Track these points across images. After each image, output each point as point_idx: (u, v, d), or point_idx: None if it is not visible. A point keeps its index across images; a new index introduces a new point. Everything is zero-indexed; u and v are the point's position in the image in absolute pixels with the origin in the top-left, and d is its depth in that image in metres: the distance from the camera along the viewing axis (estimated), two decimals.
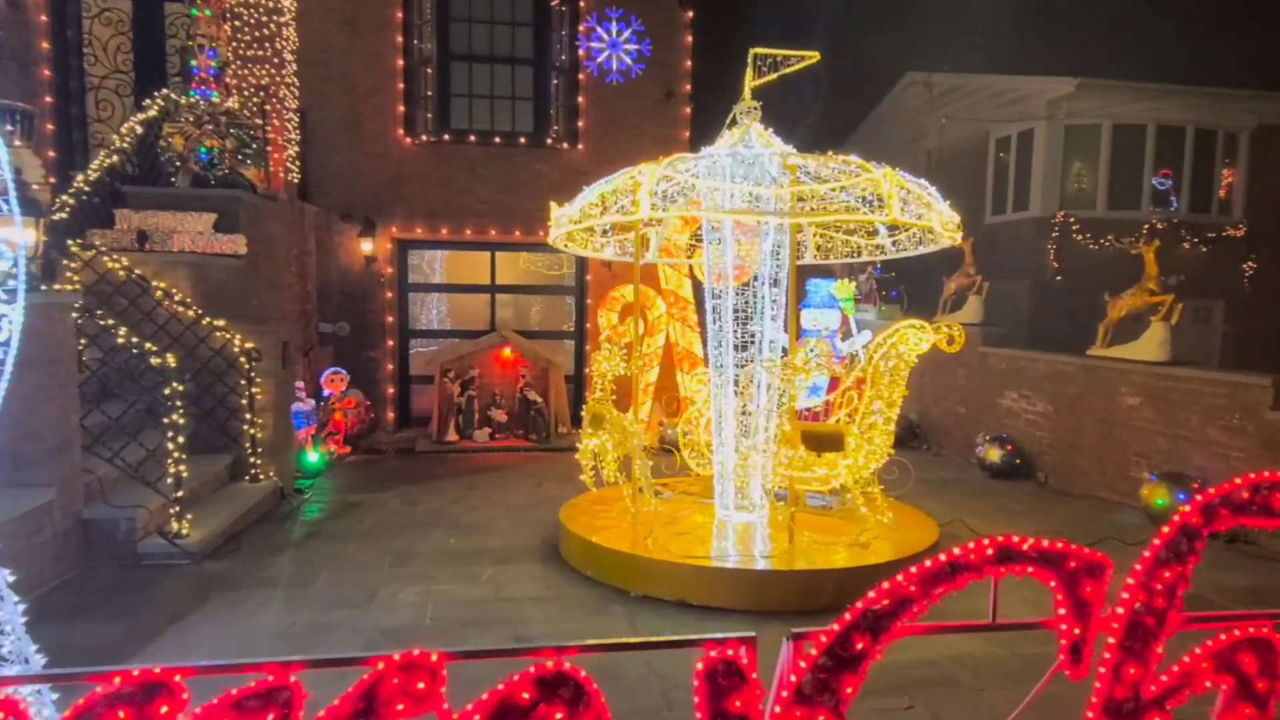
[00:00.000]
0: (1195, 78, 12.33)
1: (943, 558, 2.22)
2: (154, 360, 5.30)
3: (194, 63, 8.89)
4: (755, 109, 5.75)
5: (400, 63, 10.64)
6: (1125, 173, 12.41)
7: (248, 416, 6.73)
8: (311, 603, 4.56)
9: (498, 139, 10.77)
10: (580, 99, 11.09)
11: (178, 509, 5.30)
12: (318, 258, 10.64)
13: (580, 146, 10.99)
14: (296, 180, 9.75)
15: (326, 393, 9.90)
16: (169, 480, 5.28)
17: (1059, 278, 12.30)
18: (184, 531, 5.29)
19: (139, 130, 7.95)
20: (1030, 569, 2.31)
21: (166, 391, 5.27)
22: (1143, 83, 12.01)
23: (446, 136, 10.69)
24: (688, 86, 11.51)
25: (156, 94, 8.56)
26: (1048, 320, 11.90)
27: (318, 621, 4.28)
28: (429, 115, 10.78)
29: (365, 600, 4.60)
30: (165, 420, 5.26)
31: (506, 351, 10.84)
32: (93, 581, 4.82)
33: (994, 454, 8.41)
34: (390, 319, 10.95)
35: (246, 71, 9.12)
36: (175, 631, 4.12)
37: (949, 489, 7.90)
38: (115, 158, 7.56)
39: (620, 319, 10.40)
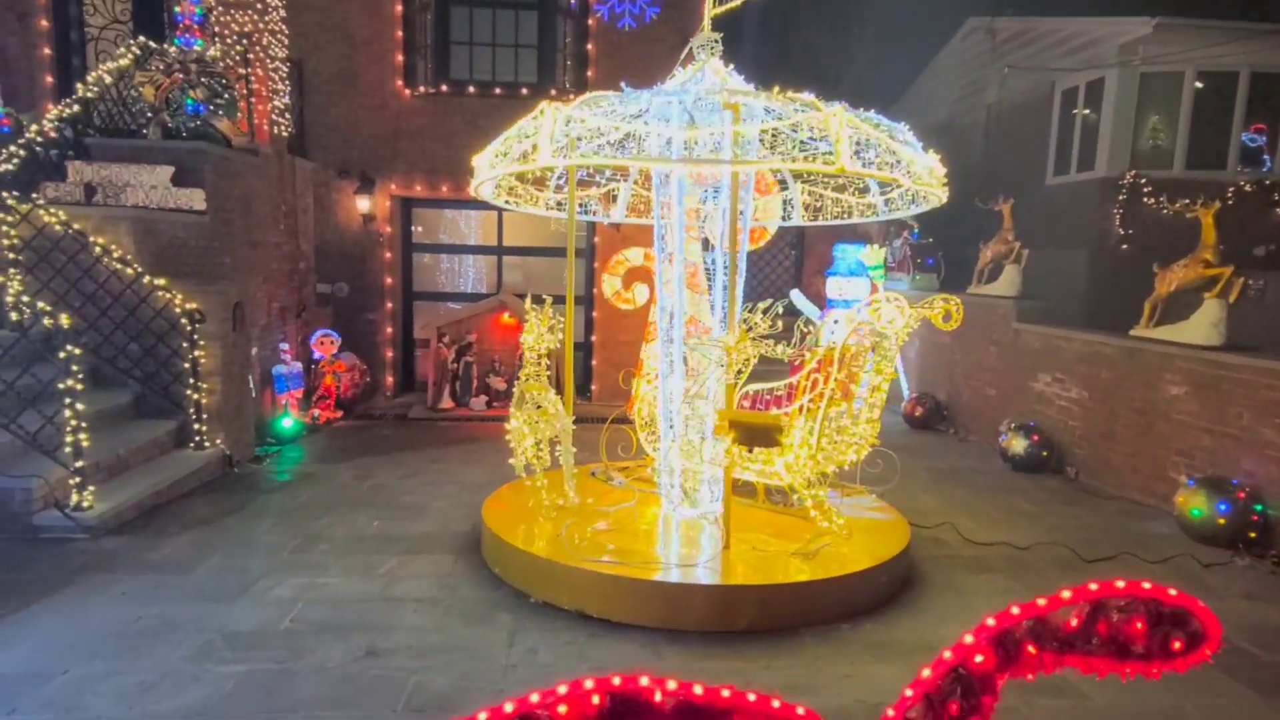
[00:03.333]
0: None
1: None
2: (46, 321, 4.95)
3: (177, 9, 8.54)
4: (715, 42, 4.95)
5: (399, 8, 10.08)
6: (1210, 127, 10.86)
7: (191, 381, 6.41)
8: (176, 594, 4.17)
9: (499, 90, 10.13)
10: (589, 46, 10.33)
11: (78, 480, 4.99)
12: (316, 215, 10.30)
13: None
14: (287, 134, 9.37)
15: (317, 355, 9.62)
16: (68, 449, 4.97)
17: (1124, 246, 10.96)
18: (84, 504, 5.00)
19: (107, 79, 7.64)
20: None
21: (61, 355, 4.92)
22: (1234, 21, 10.42)
23: (445, 87, 10.11)
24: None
25: (131, 42, 8.26)
26: (1108, 294, 10.63)
27: (166, 618, 3.87)
28: (429, 65, 10.22)
29: (235, 594, 4.19)
30: (60, 386, 4.92)
31: (506, 316, 10.34)
32: None
33: (1018, 444, 7.45)
34: (390, 280, 10.57)
35: (229, 18, 8.72)
36: (7, 624, 3.78)
37: (959, 481, 7.03)
38: (76, 107, 7.27)
39: (625, 284, 9.73)
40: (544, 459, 4.80)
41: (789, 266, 12.95)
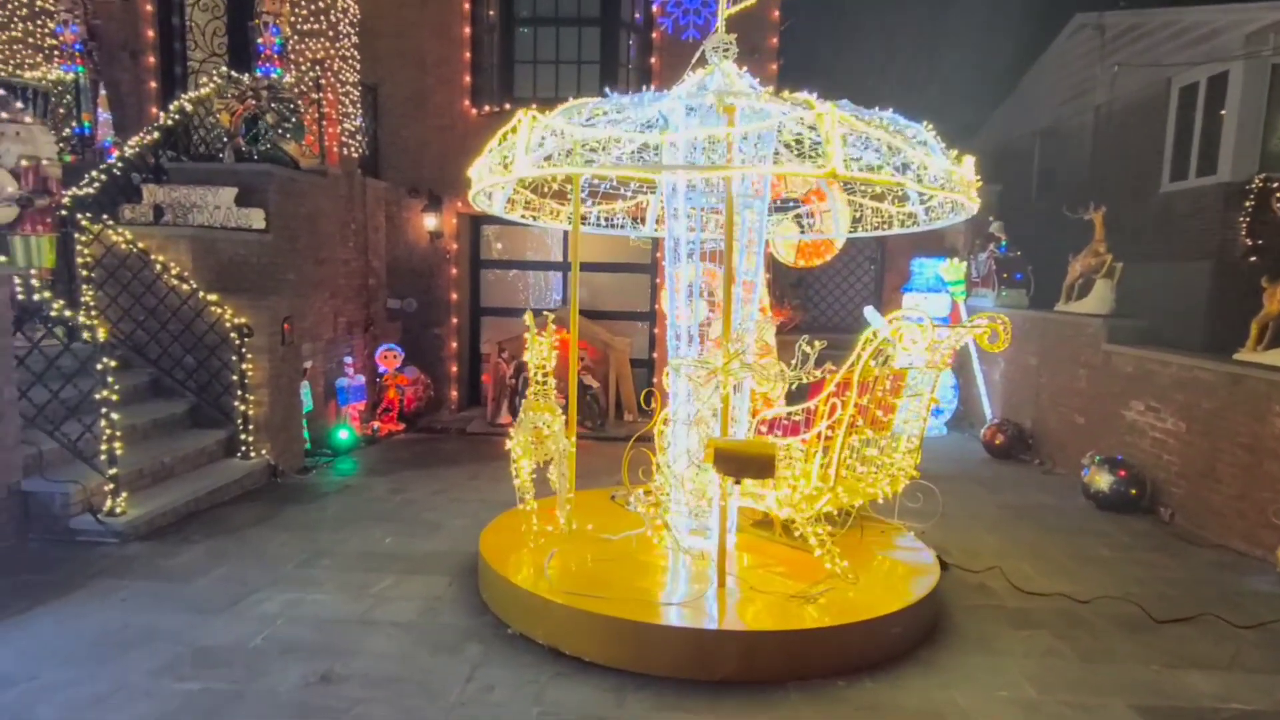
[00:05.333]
0: None
1: None
2: (85, 335, 5.22)
3: (259, 40, 9.05)
4: (729, 45, 4.67)
5: (467, 31, 10.28)
6: None
7: (239, 393, 6.65)
8: (169, 603, 4.24)
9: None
10: (653, 60, 10.19)
11: (112, 487, 5.22)
12: (387, 233, 10.62)
13: None
14: (357, 155, 9.72)
15: (381, 369, 9.88)
16: (103, 458, 5.21)
17: (1252, 258, 9.72)
18: (118, 510, 5.22)
19: (188, 108, 8.13)
20: None
21: (99, 367, 5.17)
22: None
23: (508, 105, 10.21)
24: (774, 40, 10.26)
25: (214, 71, 8.79)
26: (1233, 312, 9.44)
27: (149, 628, 3.93)
28: (494, 85, 10.37)
29: (224, 606, 4.21)
30: (96, 396, 5.17)
31: (563, 332, 10.28)
32: (6, 557, 4.81)
33: (1101, 480, 6.64)
34: (455, 296, 10.74)
35: (303, 46, 9.15)
36: (8, 624, 3.93)
37: (1031, 520, 6.33)
38: (156, 134, 7.77)
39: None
40: (528, 483, 4.60)
41: (868, 282, 12.31)
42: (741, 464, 3.70)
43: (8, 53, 9.50)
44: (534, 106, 10.74)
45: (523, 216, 5.59)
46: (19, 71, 9.21)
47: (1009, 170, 14.65)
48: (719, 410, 4.53)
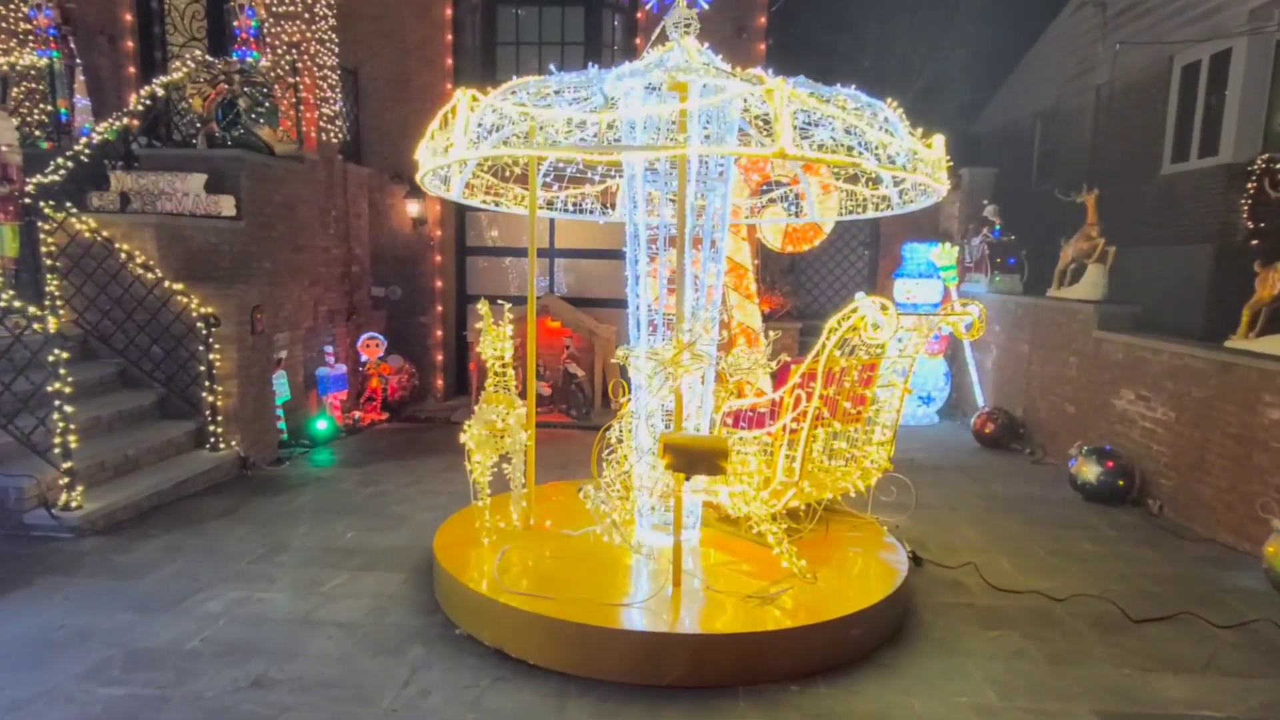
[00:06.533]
0: None
1: None
2: (36, 326, 5.10)
3: (235, 23, 8.88)
4: (691, 21, 4.47)
5: (449, 12, 10.08)
6: None
7: (207, 384, 6.53)
8: (112, 602, 4.14)
9: None
10: (638, 40, 9.95)
11: (67, 480, 5.12)
12: (370, 220, 10.46)
13: None
14: (337, 140, 9.55)
15: (363, 358, 9.76)
16: (57, 451, 5.10)
17: (1254, 241, 9.46)
18: (74, 504, 5.12)
19: (160, 92, 7.98)
20: None
21: (50, 358, 5.06)
22: None
23: (490, 88, 10.00)
24: (763, 19, 10.00)
25: (187, 55, 8.63)
26: (1234, 297, 9.20)
27: (85, 628, 3.83)
28: (477, 67, 10.18)
29: (169, 605, 4.11)
30: (49, 389, 5.05)
31: (550, 320, 10.15)
32: None
33: (1088, 470, 6.46)
34: (439, 284, 10.60)
35: (279, 29, 8.96)
36: None
37: (1015, 512, 6.17)
38: (125, 120, 7.63)
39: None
40: (481, 478, 4.46)
41: (861, 268, 12.09)
42: (691, 459, 3.55)
43: None
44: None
45: (484, 202, 5.42)
46: None
47: (1009, 153, 14.35)
48: (647, 404, 4.39)
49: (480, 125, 3.66)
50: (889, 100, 3.85)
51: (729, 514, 4.79)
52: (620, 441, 4.60)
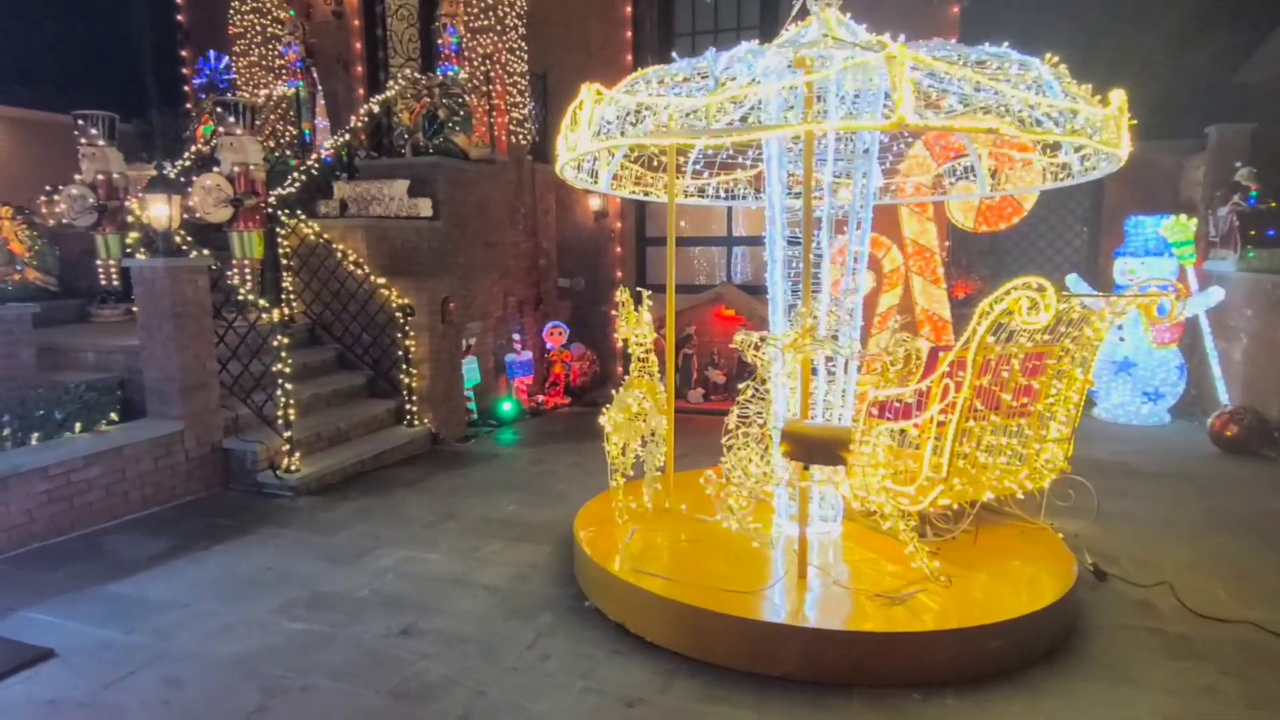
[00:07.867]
0: None
1: None
2: (264, 316, 6.00)
3: (439, 41, 9.82)
4: None
5: (629, 10, 10.39)
6: None
7: (404, 367, 7.33)
8: (309, 551, 4.80)
9: None
10: None
11: (288, 448, 6.00)
12: (557, 215, 11.09)
13: None
14: (526, 142, 10.21)
15: (548, 345, 10.39)
16: (280, 422, 5.99)
17: None
18: (293, 468, 5.99)
19: (375, 110, 9.03)
20: None
21: (275, 343, 5.94)
22: None
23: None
24: None
25: (397, 75, 9.65)
26: None
27: (285, 572, 4.48)
28: (653, 62, 10.38)
29: (351, 559, 4.69)
30: (274, 370, 5.95)
31: (724, 308, 10.16)
32: (209, 502, 5.74)
33: None
34: (619, 274, 10.99)
35: (475, 43, 9.75)
36: (187, 559, 4.67)
37: (1245, 531, 5.26)
38: (347, 137, 8.72)
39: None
40: (620, 460, 4.58)
41: (1080, 246, 10.83)
42: (810, 448, 3.43)
43: (249, 74, 11.11)
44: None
45: (632, 192, 5.55)
46: (258, 90, 10.76)
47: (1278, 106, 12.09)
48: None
49: (616, 118, 3.75)
50: (1047, 56, 3.43)
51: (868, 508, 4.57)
52: (737, 428, 4.53)
